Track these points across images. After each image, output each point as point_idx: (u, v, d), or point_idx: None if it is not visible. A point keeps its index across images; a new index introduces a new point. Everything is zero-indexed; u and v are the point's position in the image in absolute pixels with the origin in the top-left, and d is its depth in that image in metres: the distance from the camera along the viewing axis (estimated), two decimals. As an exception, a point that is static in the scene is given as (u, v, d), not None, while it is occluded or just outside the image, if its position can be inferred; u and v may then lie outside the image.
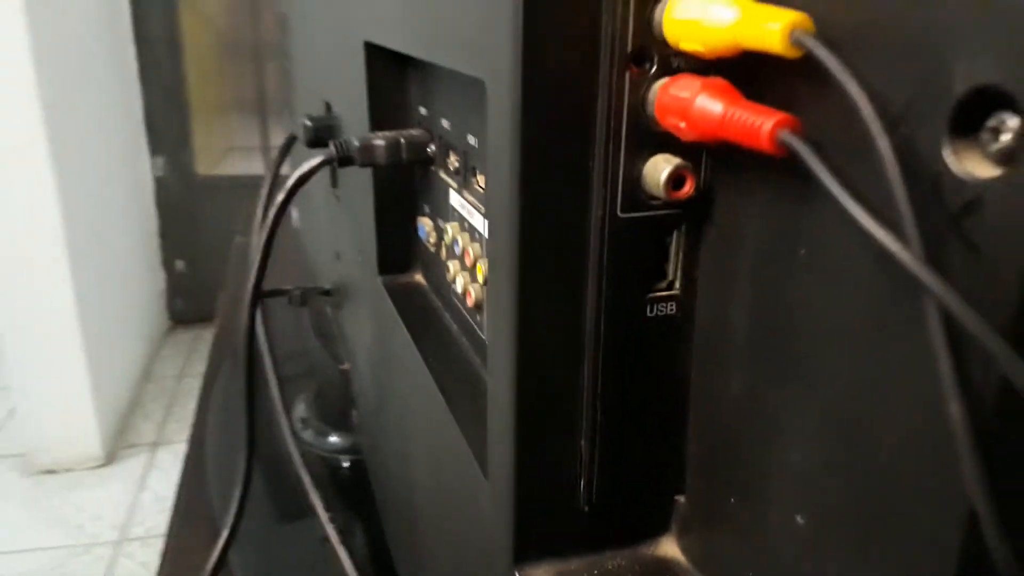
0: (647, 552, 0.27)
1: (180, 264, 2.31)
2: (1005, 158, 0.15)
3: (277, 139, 2.14)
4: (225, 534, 0.41)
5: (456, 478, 0.33)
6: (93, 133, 1.83)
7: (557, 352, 0.25)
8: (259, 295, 0.41)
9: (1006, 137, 0.15)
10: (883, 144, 0.15)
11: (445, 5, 0.28)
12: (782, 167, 0.20)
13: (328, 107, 0.61)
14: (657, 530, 0.27)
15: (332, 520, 0.54)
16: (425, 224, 0.44)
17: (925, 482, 0.17)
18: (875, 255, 0.17)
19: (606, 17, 0.21)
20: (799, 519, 0.21)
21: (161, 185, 2.26)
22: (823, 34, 0.17)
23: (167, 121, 2.23)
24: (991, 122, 0.15)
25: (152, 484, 1.67)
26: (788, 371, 0.21)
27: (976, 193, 0.15)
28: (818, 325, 0.19)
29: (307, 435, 0.75)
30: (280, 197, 0.41)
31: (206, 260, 2.23)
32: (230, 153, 2.43)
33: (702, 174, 0.23)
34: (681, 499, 0.27)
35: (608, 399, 0.25)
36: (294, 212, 1.02)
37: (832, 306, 0.19)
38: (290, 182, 0.41)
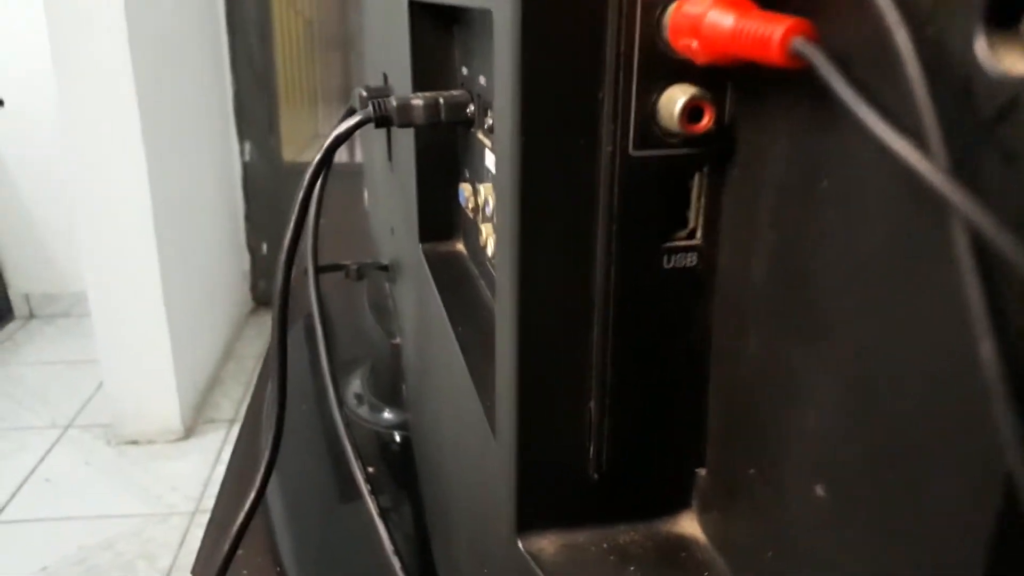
0: (663, 528, 0.25)
1: (265, 247, 2.37)
2: (1050, 48, 0.12)
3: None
4: (252, 496, 0.40)
5: (472, 442, 0.31)
6: (184, 118, 1.88)
7: (563, 304, 0.23)
8: (293, 257, 0.41)
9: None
10: (901, 36, 0.13)
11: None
12: (805, 90, 0.18)
13: (385, 78, 0.60)
14: (675, 505, 0.25)
15: (372, 494, 0.53)
16: (465, 190, 0.43)
17: (953, 444, 0.15)
18: (898, 178, 0.15)
19: (616, -72, 0.19)
20: (819, 491, 0.19)
21: (248, 170, 2.32)
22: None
23: (256, 108, 2.29)
24: (1034, 8, 0.12)
25: (228, 459, 1.72)
26: (806, 323, 0.18)
27: (1014, 93, 0.12)
28: (838, 267, 0.17)
29: (362, 411, 0.75)
30: (317, 157, 0.40)
31: (289, 244, 2.27)
32: (315, 140, 2.47)
33: (726, 108, 0.21)
34: (702, 472, 0.25)
35: (620, 359, 0.23)
36: (365, 193, 1.02)
37: (853, 243, 0.17)
38: (327, 142, 0.40)
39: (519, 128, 0.21)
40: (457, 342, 0.34)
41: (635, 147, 0.21)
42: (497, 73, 0.23)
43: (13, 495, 1.60)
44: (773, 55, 0.16)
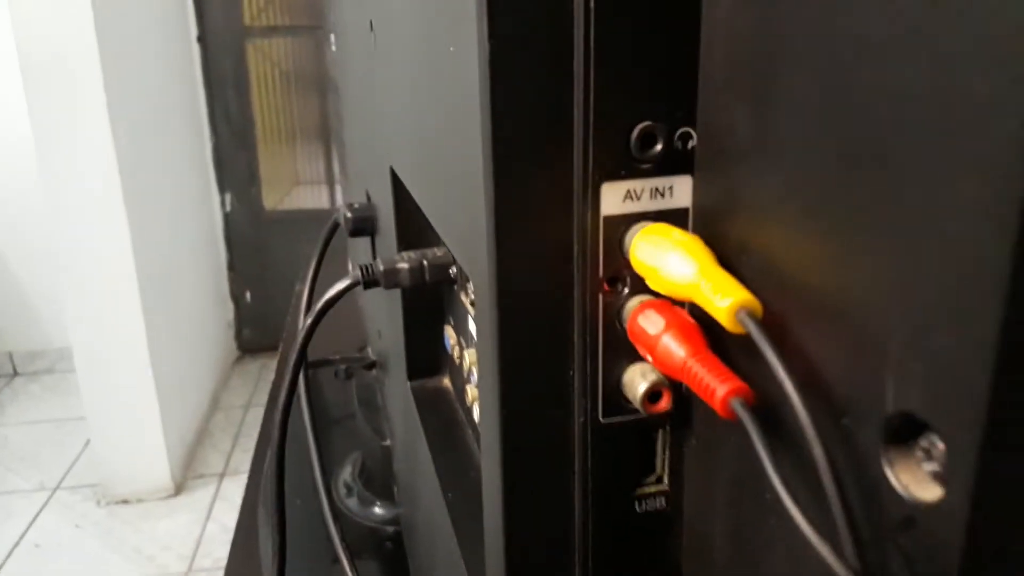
0: None
1: (248, 295, 2.39)
2: (938, 481, 0.15)
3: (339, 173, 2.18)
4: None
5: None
6: (164, 173, 1.90)
7: (546, 548, 0.25)
8: (288, 415, 0.43)
9: (935, 462, 0.15)
10: (818, 452, 0.15)
11: (442, 186, 0.29)
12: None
13: (368, 196, 0.62)
14: None
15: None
16: (450, 336, 0.45)
17: None
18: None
19: (577, 245, 0.22)
20: None
21: (230, 220, 2.33)
22: (768, 316, 0.17)
23: (235, 159, 2.31)
24: (923, 442, 0.15)
25: (218, 515, 1.73)
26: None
27: (911, 511, 0.15)
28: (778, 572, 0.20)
29: (351, 503, 0.77)
30: (307, 321, 0.43)
31: (273, 291, 2.29)
32: (296, 188, 2.49)
33: (682, 386, 0.24)
34: None
35: (599, 591, 0.26)
36: (349, 263, 1.04)
37: (792, 567, 0.19)
38: (318, 306, 0.43)
39: (499, 403, 0.23)
40: (448, 514, 0.36)
41: (604, 416, 0.24)
42: (479, 346, 0.25)
43: (3, 563, 1.60)
44: (715, 406, 0.18)
